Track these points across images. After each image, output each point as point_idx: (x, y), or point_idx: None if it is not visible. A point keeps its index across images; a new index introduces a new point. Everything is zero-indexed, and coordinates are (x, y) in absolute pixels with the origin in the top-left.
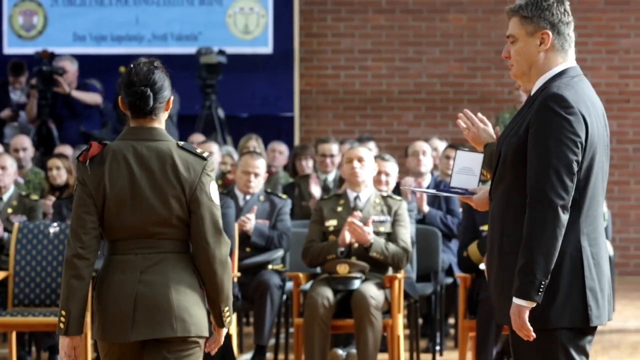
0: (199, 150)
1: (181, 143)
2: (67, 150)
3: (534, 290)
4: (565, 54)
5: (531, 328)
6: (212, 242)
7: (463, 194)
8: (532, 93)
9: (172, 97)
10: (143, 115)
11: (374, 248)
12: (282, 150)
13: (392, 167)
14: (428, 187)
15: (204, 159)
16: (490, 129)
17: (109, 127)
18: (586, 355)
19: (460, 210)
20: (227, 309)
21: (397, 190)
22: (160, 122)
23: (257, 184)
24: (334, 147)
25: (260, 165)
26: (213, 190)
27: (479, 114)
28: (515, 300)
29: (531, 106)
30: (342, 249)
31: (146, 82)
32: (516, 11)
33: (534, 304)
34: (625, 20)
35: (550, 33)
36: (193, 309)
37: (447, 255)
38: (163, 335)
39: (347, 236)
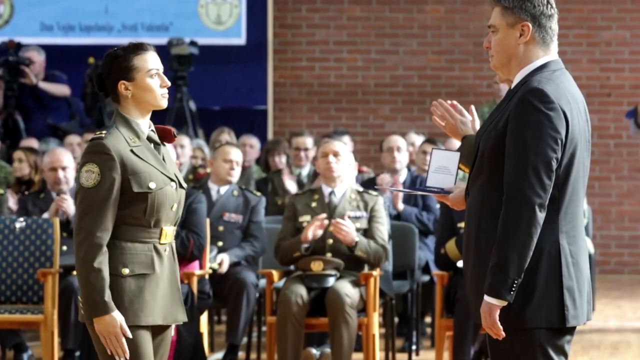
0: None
1: None
2: (33, 143)
3: (505, 289)
4: (546, 47)
5: (501, 327)
6: None
7: (439, 193)
8: (513, 86)
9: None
10: None
11: (359, 247)
12: (253, 144)
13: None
14: (404, 183)
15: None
16: (467, 120)
17: (77, 119)
18: (565, 355)
19: (438, 206)
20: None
21: (371, 184)
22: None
23: (237, 174)
24: (308, 141)
25: (239, 155)
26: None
27: (455, 103)
28: (487, 298)
29: (511, 100)
30: (306, 245)
31: None
32: (498, 1)
33: (505, 303)
34: (607, 12)
35: (530, 25)
36: None
37: (424, 253)
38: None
39: (310, 233)
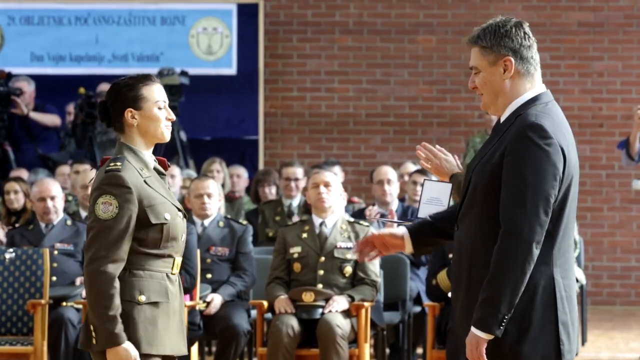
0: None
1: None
2: (23, 173)
3: (495, 324)
4: (532, 78)
5: None
6: None
7: None
8: (503, 119)
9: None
10: None
11: (354, 303)
12: (240, 174)
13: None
14: (396, 213)
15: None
16: (451, 158)
17: (67, 150)
18: None
19: None
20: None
21: (362, 215)
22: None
23: (213, 206)
24: (298, 171)
25: (211, 186)
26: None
27: (437, 146)
28: (475, 331)
29: (504, 133)
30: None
31: None
32: (475, 42)
33: (492, 337)
34: (599, 42)
35: (512, 59)
36: None
37: (415, 283)
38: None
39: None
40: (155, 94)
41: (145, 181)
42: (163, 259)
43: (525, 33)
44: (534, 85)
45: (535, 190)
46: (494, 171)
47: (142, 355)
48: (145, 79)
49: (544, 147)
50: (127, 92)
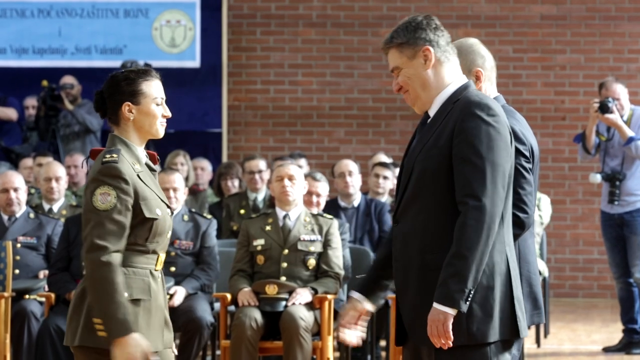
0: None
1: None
2: None
3: (462, 299)
4: (452, 66)
5: (452, 337)
6: None
7: None
8: (434, 110)
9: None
10: None
11: (318, 294)
12: (204, 167)
13: (323, 187)
14: (359, 207)
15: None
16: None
17: (30, 142)
18: None
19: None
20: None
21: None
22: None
23: (179, 200)
24: (261, 163)
25: (177, 179)
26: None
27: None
28: (440, 307)
29: (445, 119)
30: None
31: None
32: (390, 42)
33: (456, 312)
34: (562, 35)
35: (431, 48)
36: None
37: None
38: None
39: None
40: (154, 90)
41: (138, 175)
42: (147, 255)
43: (436, 24)
44: (458, 75)
45: (492, 165)
46: (442, 154)
47: None
48: (145, 74)
49: (493, 123)
50: (126, 85)
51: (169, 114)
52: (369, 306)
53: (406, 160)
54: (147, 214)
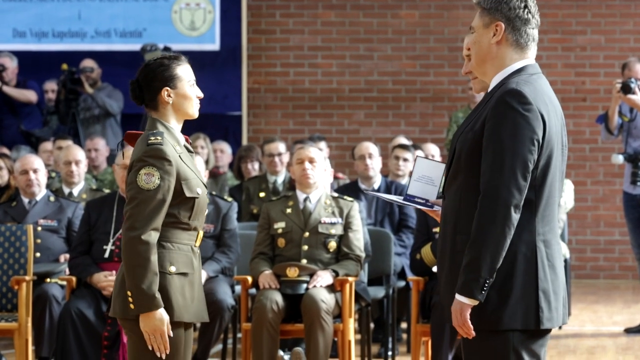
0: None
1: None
2: (5, 150)
3: (477, 288)
4: (521, 50)
5: (471, 326)
6: None
7: (424, 205)
8: (490, 89)
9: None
10: None
11: (339, 278)
12: (223, 149)
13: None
14: (379, 189)
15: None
16: None
17: (50, 126)
18: (538, 359)
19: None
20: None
21: (346, 190)
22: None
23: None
24: (280, 146)
25: (198, 163)
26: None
27: None
28: (458, 297)
29: (488, 102)
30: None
31: None
32: (478, 3)
33: (476, 302)
34: (582, 16)
35: (503, 25)
36: None
37: (400, 258)
38: None
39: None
40: (187, 74)
41: (180, 156)
42: (189, 231)
43: (526, 7)
44: (523, 59)
45: (512, 153)
46: (476, 139)
47: (172, 322)
48: (177, 59)
49: (523, 112)
50: (162, 71)
51: (202, 95)
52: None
53: (453, 138)
54: (188, 194)
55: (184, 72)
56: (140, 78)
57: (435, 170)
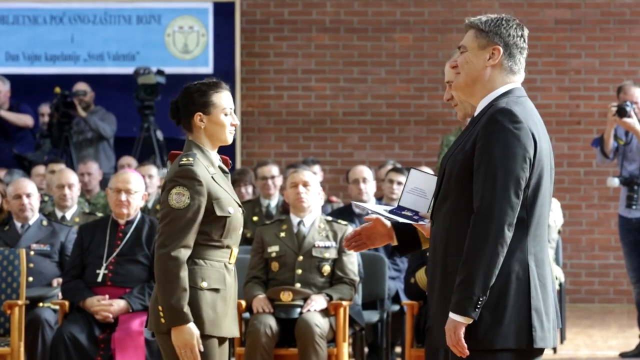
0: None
1: None
2: None
3: (471, 306)
4: (512, 76)
5: (465, 345)
6: None
7: (411, 219)
8: (477, 112)
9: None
10: None
11: (332, 301)
12: None
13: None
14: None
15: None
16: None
17: (43, 150)
18: None
19: None
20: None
21: (340, 214)
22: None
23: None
24: (273, 169)
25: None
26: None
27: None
28: (452, 315)
29: (477, 123)
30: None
31: None
32: (474, 24)
33: (470, 321)
34: (576, 40)
35: (501, 50)
36: None
37: (394, 282)
38: None
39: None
40: (224, 101)
41: (213, 177)
42: (222, 249)
43: (522, 35)
44: (512, 82)
45: (505, 171)
46: (466, 159)
47: (203, 336)
48: (216, 86)
49: (514, 130)
50: (198, 97)
51: (237, 122)
52: (394, 240)
53: (442, 160)
54: (219, 212)
55: (220, 99)
56: (179, 100)
57: (428, 183)
